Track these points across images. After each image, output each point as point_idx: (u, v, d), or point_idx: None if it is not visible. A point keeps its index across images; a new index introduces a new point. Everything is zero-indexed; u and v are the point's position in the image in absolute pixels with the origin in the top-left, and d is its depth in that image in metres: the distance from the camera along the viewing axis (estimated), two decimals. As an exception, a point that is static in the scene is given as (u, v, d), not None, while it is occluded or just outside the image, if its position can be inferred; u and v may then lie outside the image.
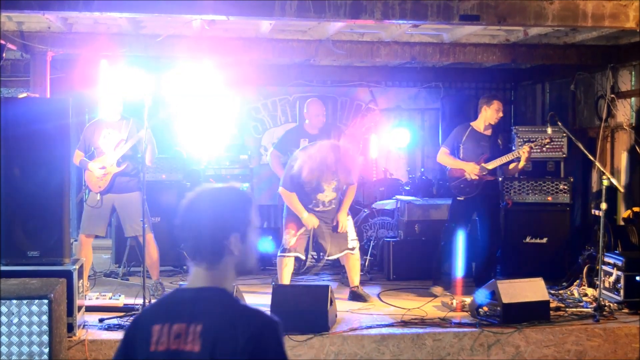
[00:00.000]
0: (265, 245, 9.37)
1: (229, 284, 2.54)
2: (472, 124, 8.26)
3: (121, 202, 7.74)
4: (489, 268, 8.30)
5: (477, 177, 7.98)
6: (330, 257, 7.83)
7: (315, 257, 8.41)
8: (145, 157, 7.40)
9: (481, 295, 7.00)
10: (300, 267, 8.45)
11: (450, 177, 8.18)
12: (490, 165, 7.98)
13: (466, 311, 7.14)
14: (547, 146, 8.52)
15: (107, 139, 7.74)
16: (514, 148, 8.73)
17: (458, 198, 8.10)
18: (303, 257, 7.85)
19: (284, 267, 7.64)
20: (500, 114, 8.12)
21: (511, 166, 8.10)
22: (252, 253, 2.58)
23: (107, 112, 7.80)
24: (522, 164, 7.95)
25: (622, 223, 9.14)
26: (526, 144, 8.27)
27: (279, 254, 7.69)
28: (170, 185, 9.67)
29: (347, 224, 7.73)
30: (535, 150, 8.19)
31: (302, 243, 7.64)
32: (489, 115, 8.09)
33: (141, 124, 7.35)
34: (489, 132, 8.18)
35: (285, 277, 7.64)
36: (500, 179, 9.24)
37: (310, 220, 7.49)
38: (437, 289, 8.04)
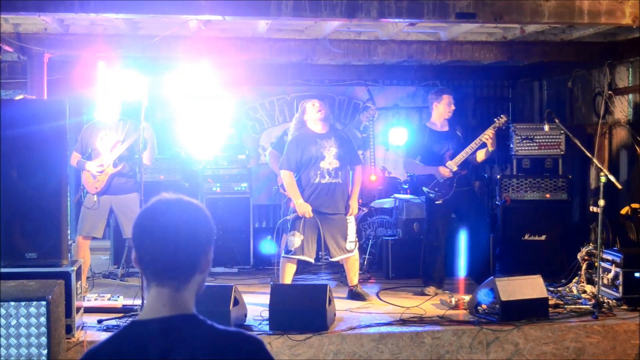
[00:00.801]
0: (265, 245, 9.39)
1: (193, 307, 2.22)
2: (427, 124, 8.30)
3: (119, 204, 7.74)
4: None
5: (449, 176, 7.97)
6: (333, 259, 7.82)
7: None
8: (145, 155, 7.40)
9: (481, 293, 6.99)
10: (304, 268, 8.47)
11: (421, 183, 8.17)
12: (456, 161, 7.96)
13: (465, 309, 7.14)
14: (536, 139, 8.54)
15: (104, 140, 7.74)
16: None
17: (436, 202, 8.07)
18: (311, 261, 7.87)
19: (287, 269, 7.64)
20: (452, 107, 8.11)
21: (479, 154, 8.03)
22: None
23: (104, 114, 7.80)
24: (490, 148, 7.90)
25: (620, 220, 9.14)
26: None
27: (282, 255, 7.68)
28: (169, 186, 9.67)
29: (356, 210, 7.82)
30: (498, 130, 8.07)
31: (312, 247, 7.63)
32: (441, 110, 8.12)
33: (138, 126, 7.35)
34: (446, 128, 8.19)
35: (287, 278, 7.64)
36: (498, 176, 9.26)
37: (304, 207, 7.48)
38: (430, 289, 8.04)
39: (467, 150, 7.94)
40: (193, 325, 2.14)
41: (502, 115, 8.13)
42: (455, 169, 7.94)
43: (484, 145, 7.90)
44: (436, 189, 8.00)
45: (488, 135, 7.83)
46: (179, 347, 2.07)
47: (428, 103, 8.31)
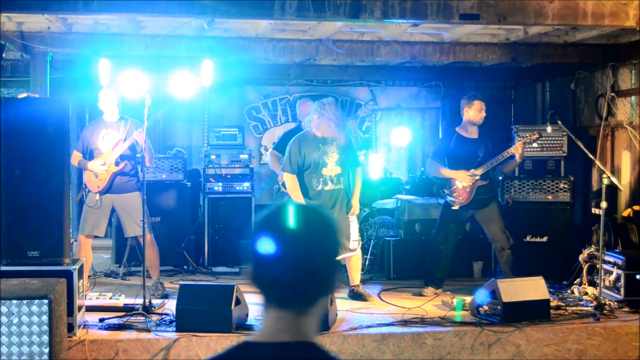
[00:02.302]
0: (266, 246, 9.39)
1: (314, 334, 1.93)
2: (457, 129, 8.09)
3: (120, 203, 7.74)
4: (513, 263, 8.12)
5: (469, 184, 7.89)
6: (337, 258, 7.81)
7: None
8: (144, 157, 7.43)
9: (482, 294, 6.99)
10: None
11: (441, 185, 8.13)
12: (480, 170, 7.82)
13: (466, 310, 7.14)
14: (539, 141, 8.47)
15: (105, 139, 7.74)
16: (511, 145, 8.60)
17: (452, 207, 8.00)
18: None
19: None
20: (483, 114, 7.91)
21: (507, 165, 7.99)
22: None
23: (106, 113, 7.80)
24: (518, 160, 7.81)
25: (622, 221, 9.14)
26: (517, 140, 8.09)
27: None
28: (171, 185, 9.68)
29: (358, 210, 7.80)
30: (527, 146, 8.06)
31: None
32: (471, 116, 7.92)
33: (140, 124, 7.35)
34: (475, 135, 8.01)
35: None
36: (500, 178, 9.24)
37: None
38: (428, 291, 8.03)
39: (494, 161, 7.80)
40: (312, 356, 1.89)
41: (535, 133, 8.05)
42: (477, 177, 7.85)
43: (512, 157, 7.80)
44: (455, 194, 7.93)
45: (518, 147, 7.70)
46: None
47: (460, 107, 8.14)
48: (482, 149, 7.93)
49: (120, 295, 7.54)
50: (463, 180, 7.84)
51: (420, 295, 7.98)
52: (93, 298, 7.34)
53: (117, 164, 7.69)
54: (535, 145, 9.11)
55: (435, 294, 7.97)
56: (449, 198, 7.97)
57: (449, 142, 8.05)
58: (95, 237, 7.86)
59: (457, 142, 8.00)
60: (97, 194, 7.70)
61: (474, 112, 7.89)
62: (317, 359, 1.89)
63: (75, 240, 8.20)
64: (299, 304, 1.87)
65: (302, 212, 1.89)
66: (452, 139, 8.02)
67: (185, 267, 9.56)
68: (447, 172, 7.95)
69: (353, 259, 7.75)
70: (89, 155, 7.77)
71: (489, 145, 7.97)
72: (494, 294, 6.87)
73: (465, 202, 7.88)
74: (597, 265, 7.51)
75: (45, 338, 5.34)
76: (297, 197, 7.54)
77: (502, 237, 7.90)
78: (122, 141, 7.68)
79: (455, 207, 7.92)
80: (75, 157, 7.79)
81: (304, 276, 1.84)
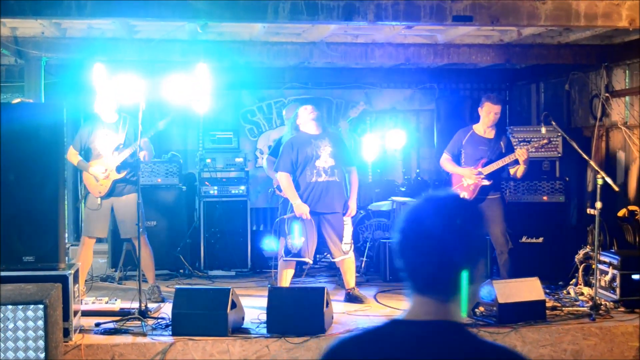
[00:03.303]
0: (264, 247, 9.40)
1: (460, 317, 1.99)
2: (474, 126, 8.10)
3: (119, 204, 7.76)
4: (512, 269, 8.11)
5: (474, 183, 7.89)
6: (335, 259, 7.82)
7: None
8: (141, 155, 7.45)
9: (486, 293, 6.98)
10: (302, 271, 8.48)
11: (448, 182, 8.16)
12: (487, 170, 7.82)
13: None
14: (545, 147, 8.46)
15: (103, 139, 7.74)
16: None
17: None
18: (310, 262, 7.90)
19: (287, 271, 7.64)
20: (492, 115, 7.89)
21: (512, 170, 7.97)
22: None
23: (103, 115, 7.80)
24: (521, 166, 7.78)
25: (617, 222, 9.15)
26: (522, 145, 8.05)
27: (284, 258, 7.66)
28: (166, 188, 9.69)
29: (355, 211, 7.81)
30: (532, 151, 8.06)
31: (312, 248, 7.66)
32: (482, 116, 7.96)
33: (137, 124, 7.36)
34: (490, 135, 8.00)
35: (286, 280, 7.64)
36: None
37: (302, 208, 7.49)
38: None
39: (499, 163, 7.80)
40: (458, 335, 1.94)
41: (543, 138, 8.06)
42: (482, 176, 7.84)
43: (516, 162, 7.79)
44: (458, 191, 7.93)
45: (522, 153, 7.69)
46: (440, 352, 1.89)
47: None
48: (494, 150, 7.93)
49: (116, 300, 7.52)
50: (468, 178, 7.86)
51: None
52: (89, 302, 7.33)
53: (118, 171, 7.69)
54: (530, 146, 9.12)
55: None
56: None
57: (462, 138, 8.07)
58: (97, 240, 7.91)
59: (469, 139, 8.02)
60: (99, 198, 7.72)
61: (484, 113, 7.93)
62: (462, 337, 1.93)
63: (72, 245, 8.20)
64: (439, 294, 1.94)
65: (450, 204, 1.96)
66: (466, 136, 8.04)
67: (181, 270, 9.56)
68: (456, 169, 7.97)
69: (346, 262, 7.75)
70: (85, 152, 7.78)
71: (502, 147, 7.96)
72: (490, 295, 6.88)
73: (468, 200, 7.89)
74: (593, 266, 7.53)
75: (41, 343, 5.34)
76: (293, 195, 7.54)
77: (501, 240, 7.89)
78: (122, 145, 7.68)
79: None
80: (73, 155, 7.78)
81: (440, 270, 1.92)
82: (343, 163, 7.74)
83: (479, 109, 8.00)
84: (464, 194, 7.88)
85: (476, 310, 6.92)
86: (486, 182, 7.86)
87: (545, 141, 8.06)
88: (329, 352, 2.02)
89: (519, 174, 7.97)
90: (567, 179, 9.23)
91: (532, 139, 9.15)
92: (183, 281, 9.14)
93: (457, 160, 8.03)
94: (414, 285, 1.97)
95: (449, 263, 1.91)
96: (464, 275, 1.93)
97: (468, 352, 1.90)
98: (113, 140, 7.73)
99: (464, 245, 1.93)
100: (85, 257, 7.68)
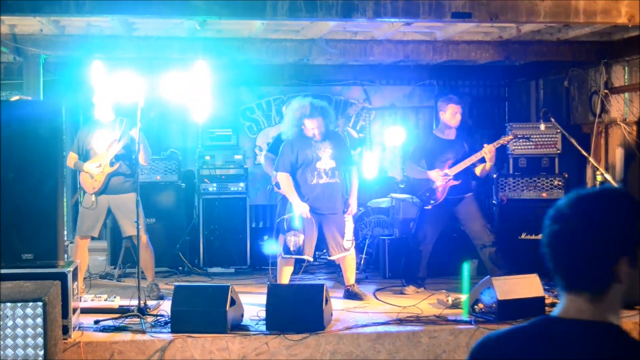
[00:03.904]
0: (264, 245, 9.39)
1: (616, 318, 1.94)
2: (434, 131, 8.24)
3: (116, 203, 7.74)
4: (502, 258, 8.12)
5: (442, 184, 7.91)
6: (331, 257, 7.84)
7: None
8: (140, 157, 7.42)
9: (478, 293, 6.99)
10: (301, 268, 8.48)
11: (416, 186, 8.15)
12: (453, 171, 7.87)
13: (461, 308, 7.14)
14: (533, 138, 8.46)
15: (100, 139, 7.75)
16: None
17: (425, 207, 8.04)
18: (311, 260, 7.90)
19: (284, 270, 7.64)
20: (458, 117, 7.97)
21: (478, 168, 7.96)
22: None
23: (100, 114, 7.80)
24: (488, 164, 7.81)
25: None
26: (489, 144, 7.92)
27: (283, 255, 7.66)
28: (165, 186, 9.69)
29: (355, 209, 7.83)
30: (498, 148, 8.01)
31: (312, 245, 7.66)
32: (447, 118, 8.01)
33: (134, 124, 7.35)
34: (452, 137, 8.07)
35: (285, 278, 7.64)
36: (494, 176, 9.26)
37: (302, 207, 7.48)
38: (410, 289, 8.07)
39: (466, 162, 7.86)
40: (615, 336, 1.89)
41: (510, 134, 8.14)
42: (449, 177, 7.88)
43: (483, 160, 7.82)
44: (427, 194, 7.99)
45: (488, 151, 7.72)
46: (597, 353, 1.84)
47: (437, 108, 8.21)
48: (458, 151, 8.00)
49: (115, 297, 7.53)
50: (436, 180, 7.91)
51: (402, 294, 8.02)
52: (88, 300, 7.34)
53: (112, 164, 7.70)
54: (529, 142, 9.14)
55: (417, 292, 8.01)
56: (417, 199, 8.04)
57: (425, 143, 8.15)
58: (92, 238, 7.88)
59: (432, 143, 8.11)
60: (93, 195, 7.71)
61: (448, 115, 8.01)
62: (618, 341, 1.87)
63: (71, 242, 8.20)
64: (586, 291, 1.89)
65: (585, 200, 1.91)
66: (428, 141, 8.13)
67: (180, 268, 9.56)
68: (421, 173, 8.03)
69: (347, 259, 7.75)
70: (84, 155, 7.78)
71: (465, 146, 8.03)
72: (489, 291, 6.87)
73: (439, 202, 7.94)
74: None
75: (40, 340, 5.34)
76: (292, 195, 7.54)
77: (482, 234, 7.99)
78: (116, 141, 7.68)
79: (428, 207, 7.99)
80: (71, 159, 7.80)
81: (583, 265, 1.87)
82: (343, 164, 7.74)
83: (441, 112, 8.08)
84: (434, 197, 7.93)
85: (475, 307, 6.93)
86: (455, 182, 7.91)
87: (510, 137, 8.11)
88: (480, 348, 2.00)
89: (483, 173, 8.01)
90: (567, 175, 9.23)
91: (531, 136, 9.14)
92: (182, 278, 9.15)
93: (426, 163, 8.06)
94: (560, 281, 1.94)
95: (591, 260, 1.87)
96: (610, 272, 1.88)
97: (628, 355, 1.85)
98: (108, 137, 7.73)
99: (608, 240, 1.86)
100: (81, 257, 7.64)
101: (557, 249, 1.91)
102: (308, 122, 7.60)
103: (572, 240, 1.87)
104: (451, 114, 7.99)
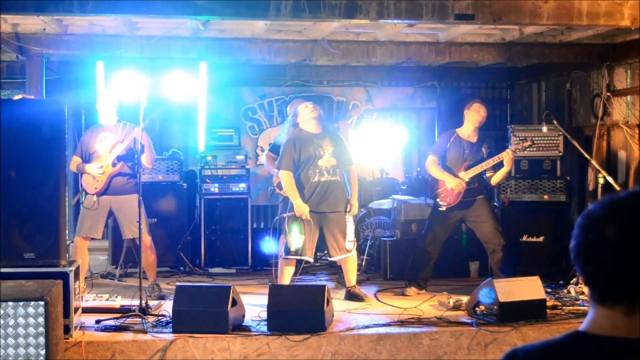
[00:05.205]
0: (264, 246, 9.39)
1: None
2: (457, 130, 8.10)
3: (118, 204, 7.74)
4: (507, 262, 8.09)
5: (460, 188, 7.87)
6: (332, 259, 7.83)
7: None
8: (143, 158, 7.42)
9: (479, 294, 6.98)
10: (302, 269, 8.47)
11: (433, 186, 8.13)
12: (469, 174, 7.83)
13: (462, 310, 7.14)
14: (528, 149, 8.44)
15: (103, 142, 7.75)
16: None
17: (439, 208, 8.00)
18: (311, 260, 7.89)
19: (286, 270, 7.63)
20: (482, 114, 7.91)
21: (496, 176, 7.91)
22: None
23: (104, 116, 7.80)
24: (506, 168, 7.78)
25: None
26: (507, 148, 7.96)
27: (283, 256, 7.65)
28: (167, 186, 9.69)
29: (357, 209, 7.83)
30: (517, 153, 8.01)
31: (313, 246, 7.65)
32: (471, 118, 7.94)
33: (137, 125, 7.35)
34: (474, 139, 8.00)
35: (286, 279, 7.63)
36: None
37: (302, 209, 7.48)
38: (411, 290, 8.05)
39: (483, 166, 7.80)
40: None
41: (528, 140, 8.10)
42: (466, 180, 7.85)
43: (500, 164, 7.77)
44: (443, 195, 7.94)
45: (507, 154, 7.69)
46: None
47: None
48: (476, 154, 7.95)
49: (116, 297, 7.53)
50: (455, 187, 7.85)
51: (403, 295, 8.01)
52: (90, 299, 7.34)
53: (114, 165, 7.70)
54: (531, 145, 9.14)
55: (418, 293, 7.99)
56: (437, 199, 8.00)
57: (446, 141, 8.07)
58: (92, 239, 7.87)
59: (453, 142, 8.02)
60: (95, 196, 7.70)
61: (472, 113, 7.91)
62: None
63: (72, 242, 8.19)
64: (620, 304, 1.75)
65: (621, 204, 1.78)
66: (450, 139, 8.03)
67: (181, 268, 9.56)
68: (443, 175, 7.93)
69: (349, 260, 7.74)
70: (87, 159, 7.78)
71: (482, 152, 7.97)
72: (491, 293, 6.87)
73: (453, 204, 7.90)
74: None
75: (42, 340, 5.34)
76: (294, 195, 7.53)
77: (494, 237, 7.88)
78: (119, 143, 7.68)
79: (443, 209, 7.94)
80: (74, 162, 7.79)
81: (616, 276, 1.74)
82: (343, 162, 7.73)
83: (465, 111, 7.99)
84: (449, 199, 7.90)
85: (476, 309, 6.92)
86: (471, 186, 7.87)
87: (528, 143, 8.07)
88: None
89: (497, 180, 7.98)
90: (568, 177, 9.23)
91: (533, 138, 9.13)
92: (183, 278, 9.14)
93: (442, 161, 8.02)
94: (592, 291, 1.80)
95: (625, 271, 1.72)
96: None
97: None
98: (111, 140, 7.73)
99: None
100: (81, 258, 7.62)
101: (592, 259, 1.77)
102: (304, 110, 7.61)
103: (609, 250, 1.74)
104: (476, 111, 7.90)
